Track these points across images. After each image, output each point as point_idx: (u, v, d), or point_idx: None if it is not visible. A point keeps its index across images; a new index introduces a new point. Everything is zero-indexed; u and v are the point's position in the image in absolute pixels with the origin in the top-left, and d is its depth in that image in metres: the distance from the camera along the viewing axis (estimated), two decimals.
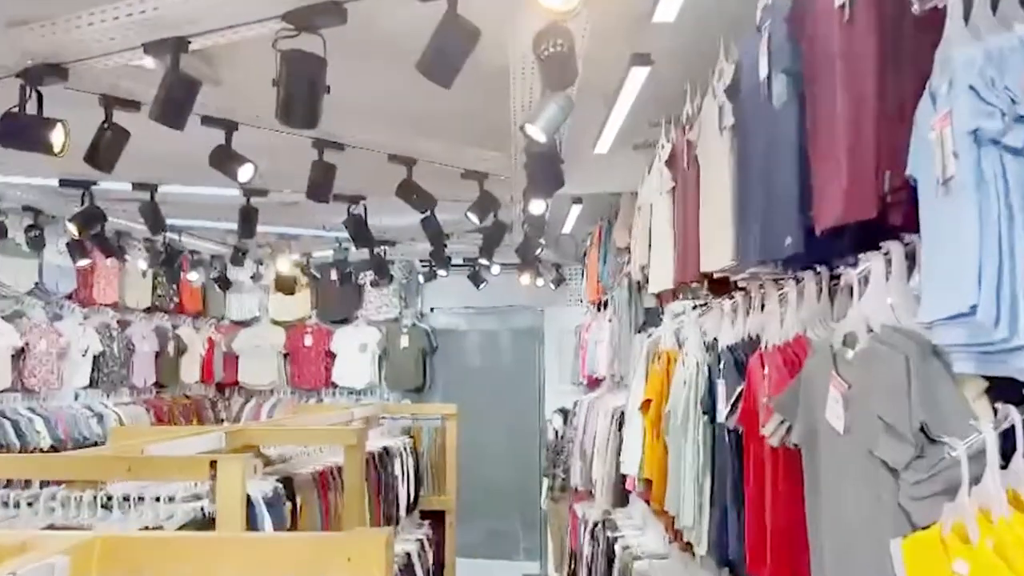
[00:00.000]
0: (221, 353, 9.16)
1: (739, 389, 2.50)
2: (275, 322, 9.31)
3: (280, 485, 4.11)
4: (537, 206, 3.92)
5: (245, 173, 3.44)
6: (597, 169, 5.11)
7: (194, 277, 7.82)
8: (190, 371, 8.53)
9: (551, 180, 3.32)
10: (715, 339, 3.23)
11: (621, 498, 5.00)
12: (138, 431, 4.74)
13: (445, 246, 6.59)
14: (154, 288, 7.95)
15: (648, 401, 3.84)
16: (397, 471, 6.31)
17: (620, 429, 5.03)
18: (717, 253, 2.80)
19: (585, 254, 8.08)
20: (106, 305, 7.30)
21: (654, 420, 3.67)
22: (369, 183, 4.75)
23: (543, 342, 9.04)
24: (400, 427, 7.38)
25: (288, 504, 4.18)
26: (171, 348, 8.14)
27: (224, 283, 7.57)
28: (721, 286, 3.30)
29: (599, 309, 7.07)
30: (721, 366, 2.74)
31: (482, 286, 7.89)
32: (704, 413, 2.95)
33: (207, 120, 3.31)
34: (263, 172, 4.25)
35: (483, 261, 6.18)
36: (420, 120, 3.95)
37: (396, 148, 3.76)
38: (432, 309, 9.36)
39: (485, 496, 8.71)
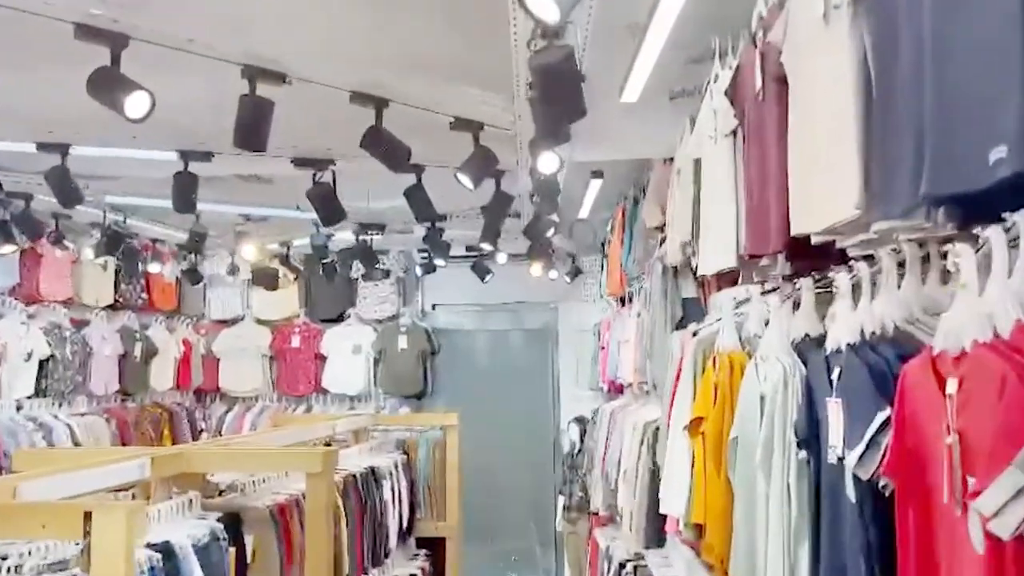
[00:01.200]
0: (200, 356, 8.24)
1: (881, 417, 1.52)
2: (260, 321, 8.39)
3: (220, 526, 3.15)
4: (549, 161, 2.95)
5: (136, 106, 2.50)
6: (623, 127, 4.14)
7: (158, 269, 6.87)
8: (162, 376, 7.62)
9: (568, 108, 2.37)
10: (806, 336, 2.25)
11: (656, 536, 4.02)
12: (48, 456, 3.83)
13: (441, 230, 5.63)
14: (117, 283, 7.04)
15: (699, 420, 2.86)
16: (387, 494, 5.37)
17: (653, 450, 4.06)
18: (826, 204, 1.83)
19: (605, 242, 7.10)
20: (57, 302, 6.39)
21: (711, 447, 2.70)
22: (343, 144, 3.81)
23: (557, 343, 8.07)
24: (394, 440, 6.43)
25: (232, 549, 3.21)
26: (138, 350, 7.23)
27: (193, 276, 6.64)
28: (804, 261, 2.33)
29: (622, 304, 6.09)
30: (835, 377, 1.77)
31: (488, 279, 6.92)
32: (800, 446, 1.98)
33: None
34: (209, 132, 3.34)
35: (485, 246, 5.22)
36: (395, 60, 3.00)
37: (361, 85, 2.81)
38: (434, 306, 8.40)
39: (494, 515, 7.76)
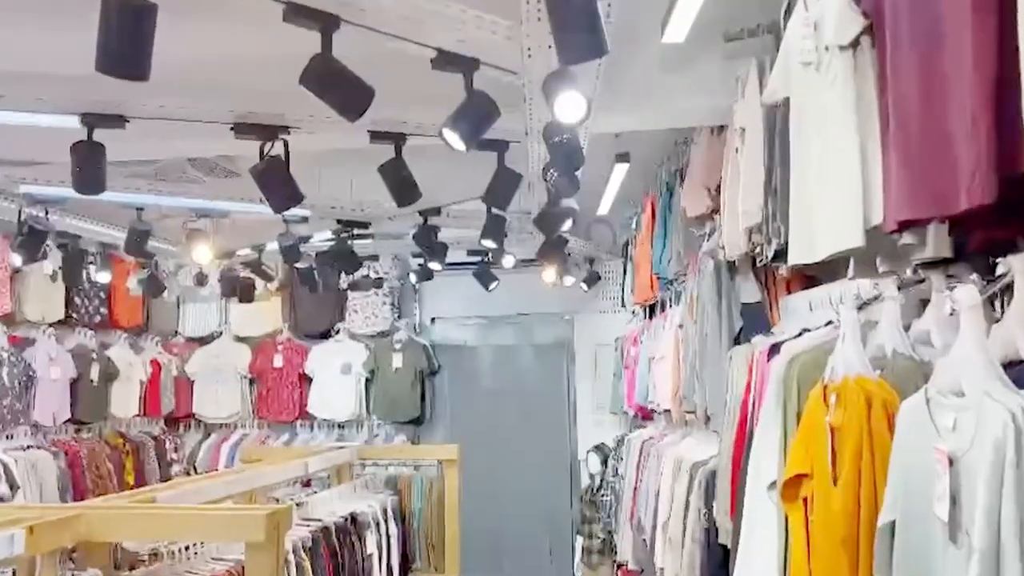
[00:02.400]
0: (171, 378, 7.34)
1: None
2: (239, 339, 7.49)
3: None
4: (571, 106, 2.04)
5: None
6: (661, 84, 3.23)
7: (107, 278, 5.95)
8: (125, 402, 6.71)
9: (580, 40, 1.50)
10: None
11: None
12: None
13: (435, 228, 4.71)
14: (70, 297, 6.16)
15: (799, 479, 1.93)
16: (371, 546, 4.44)
17: (708, 502, 3.11)
18: None
19: (629, 242, 6.17)
20: None
21: (825, 524, 1.77)
22: (302, 108, 2.91)
23: (573, 360, 7.12)
24: (384, 478, 5.50)
25: None
26: (95, 373, 6.33)
27: (152, 286, 5.74)
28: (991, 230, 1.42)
29: (652, 314, 5.17)
30: None
31: (493, 287, 5.99)
32: None
33: None
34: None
35: (488, 244, 4.30)
36: None
37: None
38: (433, 320, 7.48)
39: (502, 561, 6.80)
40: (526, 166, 3.44)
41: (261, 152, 2.85)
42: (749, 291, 3.20)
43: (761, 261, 2.96)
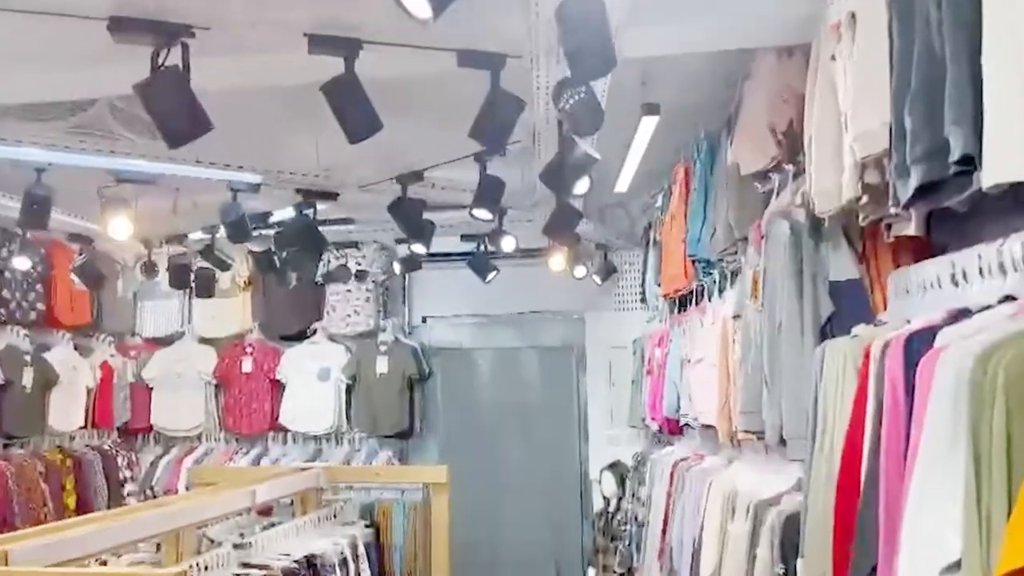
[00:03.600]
0: (126, 385, 6.45)
1: None
2: (203, 340, 6.60)
3: None
4: None
5: None
6: None
7: (26, 265, 5.06)
8: (67, 412, 5.82)
9: None
10: None
11: None
12: None
13: (422, 202, 3.82)
14: None
15: None
16: None
17: (791, 562, 2.21)
18: None
19: (650, 228, 5.28)
20: None
21: None
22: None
23: (584, 365, 6.19)
24: (358, 506, 4.60)
25: None
26: (28, 379, 5.44)
27: (88, 275, 4.84)
28: None
29: (682, 309, 4.27)
30: None
31: (491, 278, 5.10)
32: None
33: None
34: None
35: (482, 216, 3.39)
36: None
37: None
38: (424, 319, 6.58)
39: None
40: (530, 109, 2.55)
41: (152, 60, 1.96)
42: (841, 264, 2.30)
43: (865, 218, 2.08)
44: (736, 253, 3.10)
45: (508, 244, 4.34)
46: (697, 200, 3.60)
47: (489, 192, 3.12)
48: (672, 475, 3.84)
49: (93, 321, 6.23)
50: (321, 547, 3.58)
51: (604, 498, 5.69)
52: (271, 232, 4.36)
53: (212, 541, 3.39)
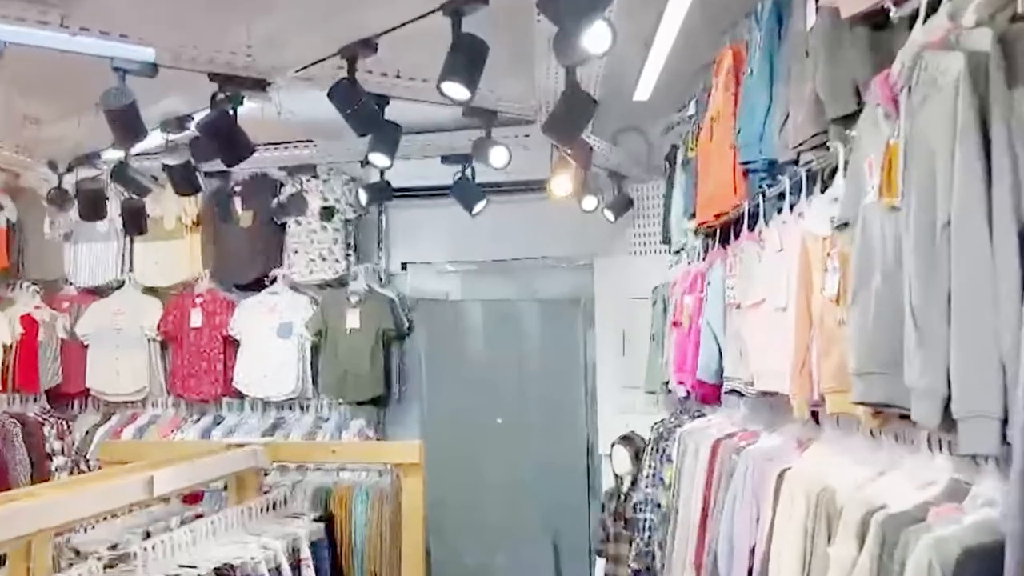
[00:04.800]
0: (56, 341, 5.51)
1: None
2: (147, 290, 5.64)
3: None
4: None
5: None
6: None
7: None
8: None
9: None
10: None
11: None
12: None
13: (382, 101, 2.81)
14: None
15: None
16: None
17: None
18: None
19: (672, 154, 4.30)
20: None
21: None
22: None
23: (592, 319, 5.20)
24: (310, 491, 3.67)
25: None
26: None
27: None
28: None
29: (722, 240, 3.30)
30: None
31: (479, 209, 4.12)
32: None
33: None
34: None
35: (451, 90, 2.35)
36: None
37: None
38: (404, 265, 5.60)
39: None
40: None
41: None
42: None
43: None
44: (826, 142, 2.12)
45: (499, 158, 3.34)
46: (757, 84, 2.61)
47: (467, 57, 2.12)
48: (714, 456, 2.90)
49: (12, 266, 5.27)
50: (244, 552, 2.66)
51: (616, 476, 4.77)
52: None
53: (77, 553, 2.46)
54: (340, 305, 5.23)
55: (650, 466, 4.08)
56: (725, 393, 2.98)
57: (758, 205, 2.81)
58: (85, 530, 2.86)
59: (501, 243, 5.25)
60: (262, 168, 4.78)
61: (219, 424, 5.37)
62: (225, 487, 3.52)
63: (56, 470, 5.27)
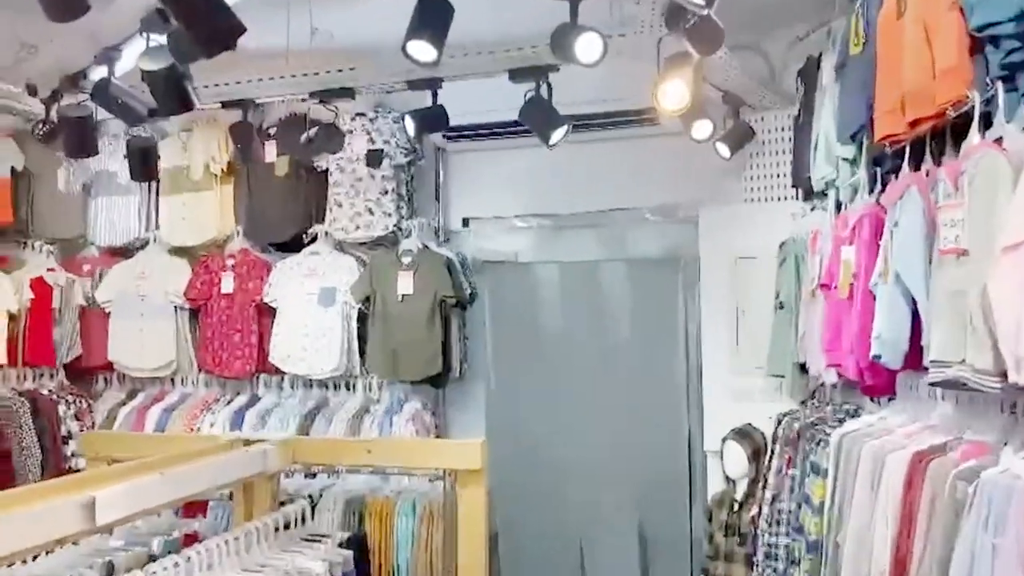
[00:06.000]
0: (75, 310, 4.85)
1: None
2: (174, 250, 4.91)
3: None
4: None
5: None
6: None
7: None
8: None
9: None
10: None
11: None
12: None
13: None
14: None
15: None
16: None
17: None
18: None
19: (809, 71, 3.29)
20: None
21: None
22: None
23: (695, 284, 4.21)
24: (342, 499, 2.85)
25: None
26: None
27: None
28: None
29: (914, 163, 2.28)
30: None
31: (558, 137, 3.17)
32: None
33: None
34: None
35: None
36: None
37: None
38: (465, 221, 4.72)
39: None
40: None
41: None
42: None
43: None
44: None
45: (590, 49, 2.37)
46: None
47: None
48: (914, 480, 1.93)
49: (20, 222, 4.60)
50: None
51: (727, 479, 3.85)
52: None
53: None
54: (390, 267, 4.39)
55: (782, 473, 3.12)
56: (931, 384, 2.00)
57: (992, 98, 1.83)
58: (25, 561, 2.10)
59: (582, 192, 4.33)
60: (295, 95, 3.93)
61: (253, 406, 4.63)
62: (230, 496, 2.73)
63: (72, 455, 4.62)
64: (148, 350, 4.83)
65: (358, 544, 2.47)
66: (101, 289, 4.90)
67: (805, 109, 3.42)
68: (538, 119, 3.07)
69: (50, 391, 4.68)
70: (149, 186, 4.89)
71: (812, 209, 3.47)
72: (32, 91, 3.18)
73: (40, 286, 4.64)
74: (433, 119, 3.25)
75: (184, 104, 2.59)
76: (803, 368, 3.32)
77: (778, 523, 3.00)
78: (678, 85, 2.69)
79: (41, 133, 3.41)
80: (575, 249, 4.48)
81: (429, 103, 3.51)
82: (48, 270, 4.71)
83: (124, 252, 4.98)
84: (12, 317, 4.46)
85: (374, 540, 2.64)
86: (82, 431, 4.76)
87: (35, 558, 2.16)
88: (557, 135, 3.09)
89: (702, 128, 3.33)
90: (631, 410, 4.26)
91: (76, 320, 4.86)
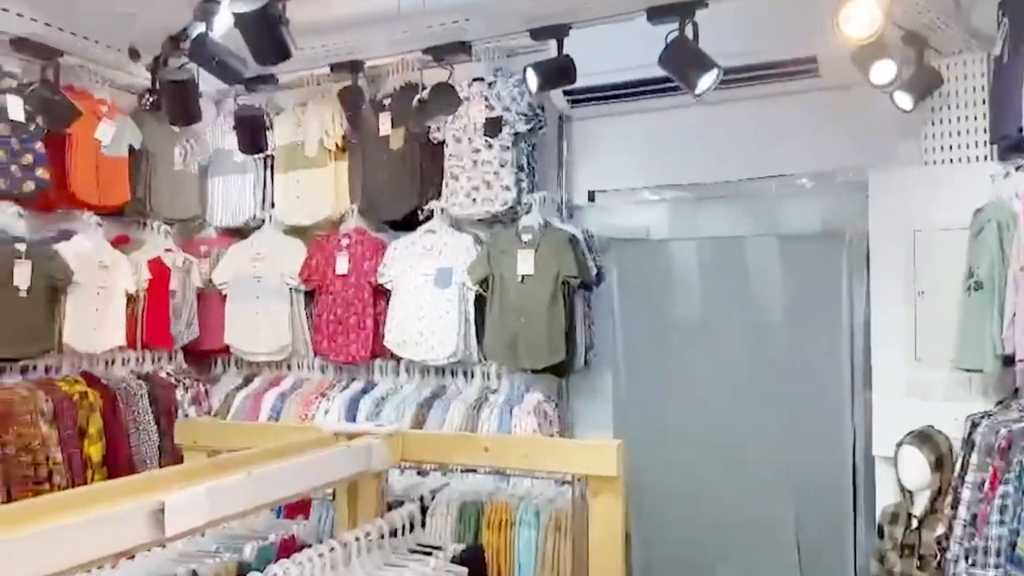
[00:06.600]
0: (192, 291, 4.78)
1: None
2: (289, 230, 4.75)
3: None
4: None
5: None
6: None
7: (19, 114, 3.32)
8: (94, 326, 4.19)
9: None
10: None
11: None
12: None
13: None
14: None
15: None
16: None
17: None
18: None
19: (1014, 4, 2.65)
20: None
21: None
22: None
23: (863, 259, 3.60)
24: (456, 503, 2.51)
25: None
26: (24, 278, 3.81)
27: (52, 113, 2.98)
28: None
29: None
30: None
31: (707, 84, 2.69)
32: None
33: None
34: None
35: None
36: None
37: None
38: (592, 195, 4.29)
39: None
40: None
41: None
42: None
43: None
44: None
45: None
46: None
47: None
48: None
49: (138, 202, 4.53)
50: None
51: (902, 490, 3.27)
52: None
53: None
54: (509, 245, 4.03)
55: (986, 489, 2.55)
56: None
57: None
58: (102, 566, 1.86)
59: (724, 158, 3.82)
60: (408, 51, 3.61)
61: (368, 392, 4.40)
62: (334, 495, 2.44)
63: None
64: (263, 334, 4.69)
65: (474, 559, 2.12)
66: (218, 271, 4.80)
67: (1011, 48, 2.80)
68: (683, 64, 2.61)
69: (168, 374, 4.61)
70: (264, 164, 4.75)
71: (1017, 169, 2.85)
72: (134, 55, 3.00)
73: (158, 267, 4.57)
74: (558, 72, 2.85)
75: (280, 52, 2.31)
76: (1008, 360, 2.72)
77: (984, 552, 2.44)
78: (867, 4, 2.16)
79: (148, 103, 3.24)
80: (716, 224, 3.97)
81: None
82: (166, 250, 4.64)
83: (240, 233, 4.87)
84: (131, 298, 4.40)
85: (491, 551, 2.29)
86: (199, 416, 4.70)
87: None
88: (706, 81, 2.62)
89: (883, 70, 2.76)
90: (784, 407, 3.72)
91: (194, 302, 4.78)
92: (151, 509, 1.51)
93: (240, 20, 2.21)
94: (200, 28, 2.64)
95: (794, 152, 3.65)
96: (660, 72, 2.84)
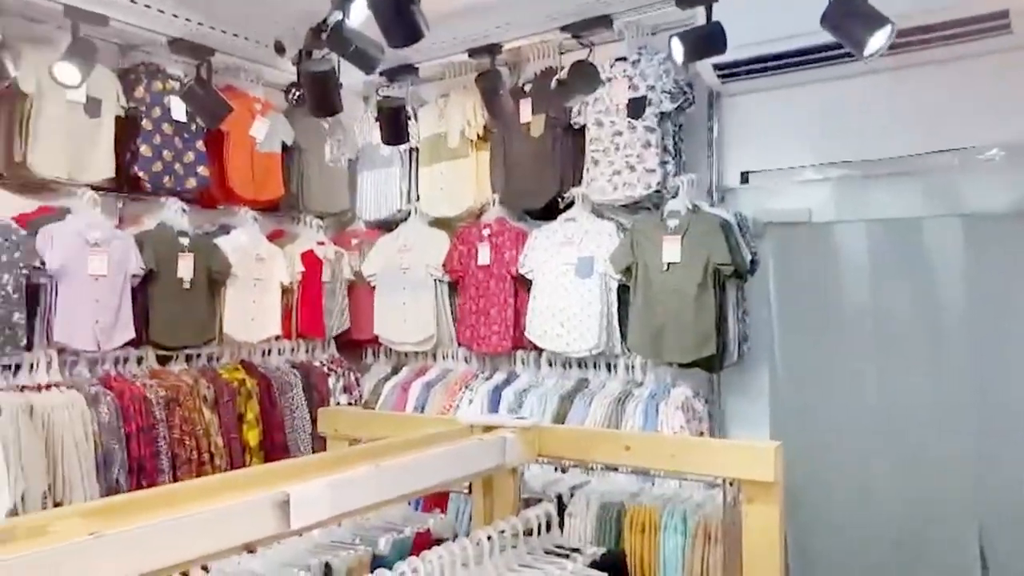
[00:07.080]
0: (343, 283, 4.91)
1: None
2: (434, 221, 4.77)
3: None
4: None
5: None
6: None
7: (181, 113, 3.48)
8: (253, 317, 4.37)
9: None
10: None
11: None
12: None
13: None
14: (127, 143, 3.84)
15: None
16: None
17: None
18: None
19: None
20: None
21: None
22: None
23: None
24: (596, 503, 2.37)
25: None
26: (188, 270, 4.02)
27: (204, 107, 3.11)
28: None
29: None
30: None
31: (879, 47, 2.39)
32: None
33: None
34: None
35: None
36: None
37: None
38: (744, 176, 4.00)
39: None
40: None
41: None
42: None
43: None
44: None
45: None
46: None
47: None
48: None
49: (292, 197, 4.70)
50: None
51: None
52: None
53: None
54: (654, 232, 3.83)
55: None
56: None
57: None
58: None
59: (895, 131, 3.44)
60: (546, 30, 3.49)
61: (510, 383, 4.34)
62: (470, 488, 2.37)
63: None
64: (410, 324, 4.73)
65: (614, 565, 1.97)
66: (367, 263, 4.90)
67: None
68: (848, 22, 2.32)
69: (321, 363, 4.76)
70: (410, 157, 4.80)
71: None
72: (280, 49, 3.06)
73: (311, 259, 4.72)
74: (706, 40, 2.62)
75: (412, 33, 2.25)
76: None
77: None
78: None
79: (295, 98, 3.30)
80: (888, 204, 3.58)
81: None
82: (318, 243, 4.78)
83: (388, 225, 4.95)
84: (285, 290, 4.57)
85: (633, 557, 2.13)
86: (351, 404, 4.81)
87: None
88: (876, 41, 2.31)
89: None
90: (968, 410, 3.30)
91: (345, 293, 4.91)
92: (276, 501, 1.48)
93: (372, 1, 2.17)
94: (337, 16, 2.63)
95: (980, 122, 3.22)
96: (819, 40, 2.55)
